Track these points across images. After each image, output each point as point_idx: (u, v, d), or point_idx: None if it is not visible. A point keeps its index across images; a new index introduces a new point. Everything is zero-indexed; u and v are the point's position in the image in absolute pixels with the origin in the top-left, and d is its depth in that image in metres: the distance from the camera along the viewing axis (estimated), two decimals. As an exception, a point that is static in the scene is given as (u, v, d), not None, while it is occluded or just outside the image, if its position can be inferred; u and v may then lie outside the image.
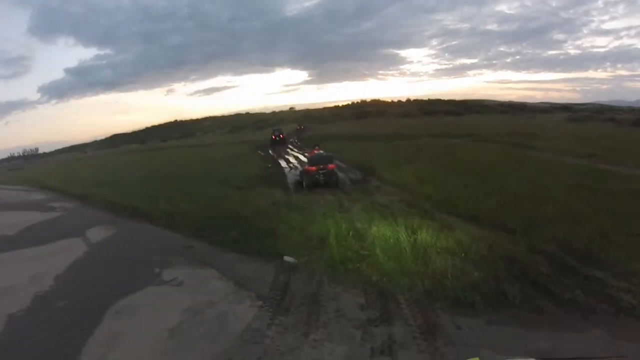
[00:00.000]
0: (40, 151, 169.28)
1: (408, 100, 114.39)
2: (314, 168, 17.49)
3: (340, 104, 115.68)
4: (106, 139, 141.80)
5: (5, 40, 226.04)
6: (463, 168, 18.14)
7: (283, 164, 27.83)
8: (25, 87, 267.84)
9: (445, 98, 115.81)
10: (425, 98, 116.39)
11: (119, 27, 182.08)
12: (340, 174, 20.28)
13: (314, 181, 17.39)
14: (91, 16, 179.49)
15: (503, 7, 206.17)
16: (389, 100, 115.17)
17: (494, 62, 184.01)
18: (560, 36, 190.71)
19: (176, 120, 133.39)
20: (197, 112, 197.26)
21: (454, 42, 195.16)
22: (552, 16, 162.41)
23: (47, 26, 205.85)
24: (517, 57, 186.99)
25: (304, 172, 18.52)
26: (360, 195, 15.42)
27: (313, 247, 9.73)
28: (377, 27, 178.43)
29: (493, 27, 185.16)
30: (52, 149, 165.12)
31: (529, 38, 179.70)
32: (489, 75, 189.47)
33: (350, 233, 10.15)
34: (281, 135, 44.98)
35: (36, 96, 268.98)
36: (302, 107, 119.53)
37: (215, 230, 12.08)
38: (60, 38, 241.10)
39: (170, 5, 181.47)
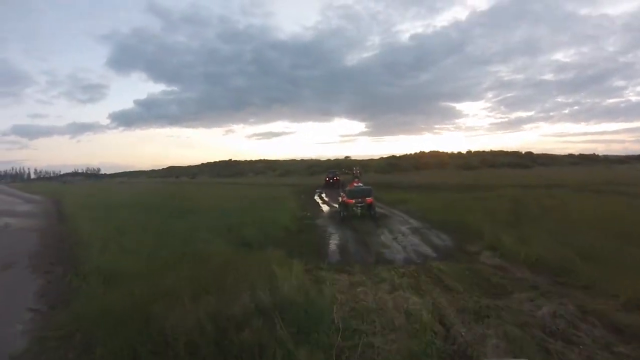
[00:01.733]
0: (102, 172, 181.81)
1: (469, 152, 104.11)
2: (352, 200, 16.89)
3: (397, 155, 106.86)
4: (162, 169, 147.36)
5: (87, 69, 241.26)
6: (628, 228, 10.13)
7: (327, 213, 19.65)
8: (98, 112, 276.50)
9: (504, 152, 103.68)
10: (488, 150, 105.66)
11: (187, 67, 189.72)
12: (413, 238, 12.34)
13: (352, 213, 16.72)
14: (163, 55, 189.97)
15: (559, 56, 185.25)
16: (449, 152, 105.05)
17: (551, 114, 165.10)
18: (620, 82, 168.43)
19: (230, 160, 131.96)
20: (253, 154, 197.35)
21: (509, 95, 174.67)
22: (610, 62, 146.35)
23: (124, 61, 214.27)
24: (576, 107, 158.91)
25: (342, 204, 17.64)
26: (476, 294, 6.68)
27: None
28: (434, 79, 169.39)
29: (549, 77, 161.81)
30: (112, 171, 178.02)
31: (587, 87, 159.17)
32: (546, 128, 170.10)
33: None
34: (335, 178, 37.22)
35: (106, 121, 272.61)
36: (358, 158, 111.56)
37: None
38: (134, 72, 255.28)
39: (235, 49, 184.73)
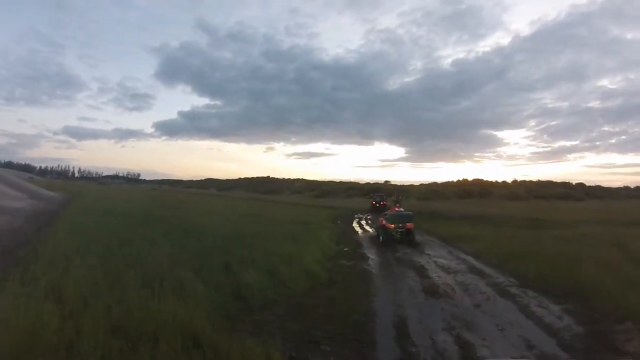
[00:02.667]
0: (142, 177, 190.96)
1: (514, 182, 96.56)
2: (392, 225, 16.02)
3: (438, 182, 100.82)
4: (200, 180, 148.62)
5: (136, 79, 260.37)
6: None
7: (371, 249, 14.98)
8: (143, 121, 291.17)
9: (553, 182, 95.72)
10: (535, 179, 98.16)
11: (231, 82, 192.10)
12: (508, 309, 7.63)
13: (391, 238, 15.84)
14: (208, 70, 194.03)
15: (605, 82, 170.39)
16: (492, 180, 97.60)
17: (597, 143, 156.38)
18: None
19: (268, 177, 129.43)
20: (292, 173, 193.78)
21: (553, 123, 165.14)
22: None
23: (171, 73, 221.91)
24: (623, 137, 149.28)
25: (381, 228, 16.79)
26: None
27: None
28: (475, 106, 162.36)
29: (595, 104, 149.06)
30: (152, 178, 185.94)
31: (635, 115, 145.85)
32: (590, 158, 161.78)
33: None
34: (382, 203, 34.91)
35: (150, 130, 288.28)
36: (397, 183, 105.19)
37: None
38: (179, 84, 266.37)
39: (278, 67, 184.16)
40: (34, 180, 77.21)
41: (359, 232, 20.27)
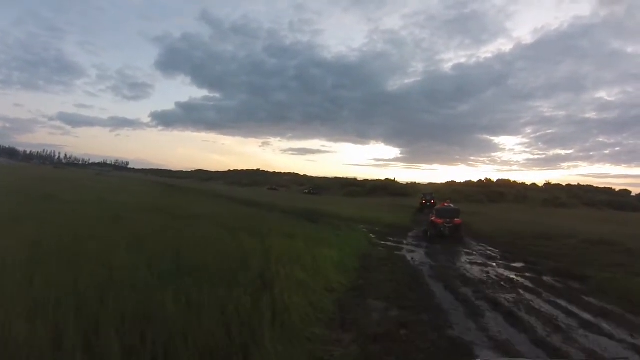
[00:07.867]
0: (130, 166, 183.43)
1: (547, 184, 78.47)
2: (441, 220, 15.68)
3: (457, 181, 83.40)
4: (191, 171, 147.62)
5: (135, 68, 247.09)
6: None
7: None
8: (141, 110, 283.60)
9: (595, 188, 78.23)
10: (574, 183, 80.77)
11: (231, 75, 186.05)
12: None
13: (439, 233, 15.49)
14: (209, 62, 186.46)
15: (602, 94, 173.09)
16: (521, 182, 79.54)
17: (591, 153, 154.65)
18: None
19: (259, 170, 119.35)
20: (285, 168, 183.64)
21: (549, 131, 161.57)
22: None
23: (171, 63, 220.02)
24: (617, 148, 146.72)
25: (430, 223, 16.44)
26: None
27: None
28: (473, 110, 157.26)
29: (591, 115, 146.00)
30: (141, 167, 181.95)
31: (630, 127, 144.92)
32: (584, 168, 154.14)
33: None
34: (432, 201, 32.44)
35: (147, 120, 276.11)
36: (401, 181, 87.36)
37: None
38: (179, 75, 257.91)
39: (280, 63, 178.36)
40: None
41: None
